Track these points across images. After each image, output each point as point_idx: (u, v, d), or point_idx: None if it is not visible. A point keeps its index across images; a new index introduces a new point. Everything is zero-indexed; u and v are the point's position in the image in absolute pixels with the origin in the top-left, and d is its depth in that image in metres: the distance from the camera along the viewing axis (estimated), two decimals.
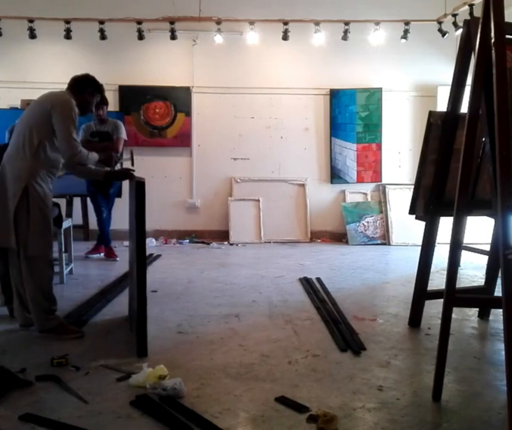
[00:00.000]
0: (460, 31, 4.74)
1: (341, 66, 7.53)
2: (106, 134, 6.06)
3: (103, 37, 6.81)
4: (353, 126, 7.68)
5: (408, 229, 7.03)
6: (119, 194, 6.38)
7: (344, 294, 4.67)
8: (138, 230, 3.14)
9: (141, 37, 6.90)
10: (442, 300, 2.62)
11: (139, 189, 3.13)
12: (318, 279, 5.16)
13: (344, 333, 3.56)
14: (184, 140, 7.52)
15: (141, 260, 3.18)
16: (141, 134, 7.44)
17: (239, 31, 7.24)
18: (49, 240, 3.45)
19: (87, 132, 6.05)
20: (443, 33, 6.91)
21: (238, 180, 7.58)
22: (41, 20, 6.70)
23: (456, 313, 3.64)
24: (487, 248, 4.22)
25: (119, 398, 2.60)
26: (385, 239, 7.46)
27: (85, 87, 3.62)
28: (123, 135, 6.13)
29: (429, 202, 3.52)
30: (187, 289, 4.85)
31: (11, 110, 6.69)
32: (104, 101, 5.79)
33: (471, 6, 6.33)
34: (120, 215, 5.70)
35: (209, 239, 7.41)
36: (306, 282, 5.05)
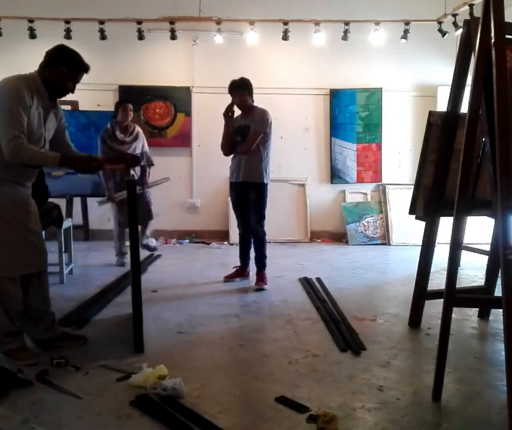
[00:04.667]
0: (460, 31, 4.74)
1: (341, 66, 7.52)
2: (248, 129, 4.86)
3: (103, 37, 6.81)
4: (353, 126, 7.68)
5: (408, 229, 7.02)
6: None
7: (344, 294, 4.67)
8: (131, 226, 3.22)
9: (141, 37, 6.90)
10: (442, 300, 2.62)
11: (130, 187, 3.23)
12: (318, 279, 5.16)
13: (344, 333, 3.56)
14: (184, 140, 7.52)
15: (134, 254, 3.23)
16: None
17: (239, 31, 7.23)
18: (12, 258, 3.00)
19: (233, 126, 4.99)
20: (443, 33, 6.91)
21: None
22: (41, 20, 6.70)
23: (456, 313, 3.64)
24: (487, 248, 4.22)
25: (119, 398, 2.60)
26: (385, 239, 7.45)
27: (52, 64, 3.05)
28: (263, 128, 4.81)
29: (429, 202, 3.52)
30: (187, 289, 4.85)
31: None
32: (236, 87, 4.88)
33: (471, 6, 6.32)
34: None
35: (209, 239, 7.41)
36: (306, 282, 5.05)
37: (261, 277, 4.91)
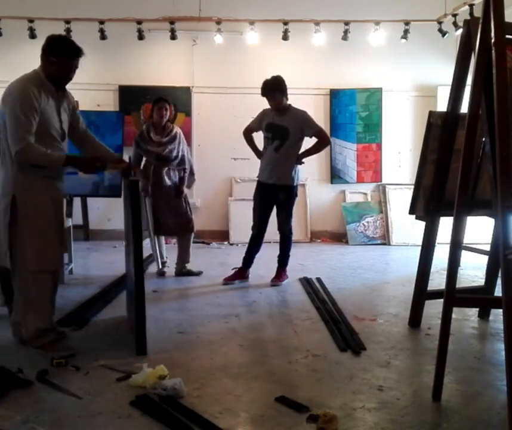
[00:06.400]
0: (460, 31, 4.74)
1: (341, 66, 7.52)
2: (282, 130, 4.82)
3: (103, 37, 6.81)
4: (353, 126, 7.67)
5: (408, 229, 7.02)
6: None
7: (344, 294, 4.67)
8: (134, 228, 3.16)
9: (141, 37, 6.90)
10: (442, 300, 2.62)
11: (132, 188, 3.17)
12: (318, 279, 5.16)
13: (344, 333, 3.56)
14: None
15: (138, 256, 3.18)
16: None
17: (239, 31, 7.23)
18: (51, 252, 3.14)
19: (261, 122, 4.97)
20: (443, 33, 6.91)
21: (239, 180, 7.57)
22: (41, 20, 6.70)
23: (456, 313, 3.63)
24: (487, 248, 4.22)
25: (119, 398, 2.60)
26: (385, 239, 7.45)
27: (50, 51, 3.08)
28: (316, 124, 4.94)
29: (429, 202, 3.52)
30: (187, 289, 4.85)
31: None
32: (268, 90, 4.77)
33: (471, 6, 6.32)
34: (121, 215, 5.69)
35: (209, 239, 7.40)
36: (306, 282, 5.05)
37: (279, 275, 5.00)
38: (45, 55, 3.10)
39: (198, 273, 5.36)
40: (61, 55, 3.08)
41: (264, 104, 5.10)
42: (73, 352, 3.14)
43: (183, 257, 5.36)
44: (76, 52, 3.11)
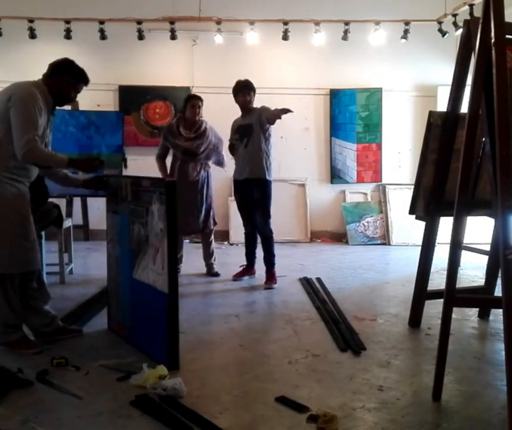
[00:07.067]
0: (460, 31, 4.75)
1: (341, 66, 7.53)
2: (248, 127, 4.93)
3: (103, 37, 6.82)
4: (353, 126, 7.68)
5: (408, 229, 7.03)
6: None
7: (344, 294, 4.67)
8: (169, 233, 2.90)
9: (141, 37, 6.91)
10: (442, 300, 2.62)
11: (169, 190, 2.91)
12: (318, 279, 5.16)
13: (344, 333, 3.56)
14: None
15: (172, 266, 2.93)
16: (141, 134, 7.44)
17: (239, 31, 7.24)
18: (13, 254, 3.07)
19: (233, 128, 5.17)
20: (443, 33, 6.92)
21: None
22: (41, 20, 6.71)
23: (456, 313, 3.64)
24: (487, 248, 4.22)
25: (119, 398, 2.60)
26: (385, 239, 7.46)
27: (58, 74, 3.22)
28: (264, 115, 4.87)
29: (429, 202, 3.52)
30: (187, 289, 4.85)
31: None
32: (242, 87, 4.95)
33: (471, 6, 6.33)
34: None
35: None
36: (306, 282, 5.05)
37: (270, 276, 4.96)
38: (62, 72, 3.22)
39: (216, 274, 5.34)
40: (77, 79, 3.27)
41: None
42: (39, 350, 3.17)
43: (206, 253, 5.43)
44: (87, 81, 3.35)
